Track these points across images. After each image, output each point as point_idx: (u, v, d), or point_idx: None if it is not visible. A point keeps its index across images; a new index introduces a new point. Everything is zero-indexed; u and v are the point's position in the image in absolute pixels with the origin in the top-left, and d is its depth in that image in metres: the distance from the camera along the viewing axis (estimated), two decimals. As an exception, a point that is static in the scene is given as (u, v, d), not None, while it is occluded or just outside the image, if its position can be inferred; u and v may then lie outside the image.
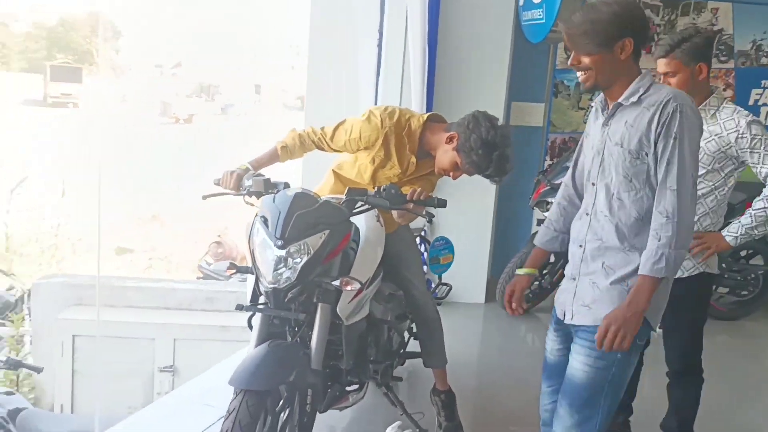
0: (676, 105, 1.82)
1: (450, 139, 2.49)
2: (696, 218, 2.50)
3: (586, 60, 1.86)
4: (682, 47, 2.42)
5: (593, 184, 1.99)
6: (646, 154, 1.86)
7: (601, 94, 1.99)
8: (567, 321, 2.03)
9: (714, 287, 4.59)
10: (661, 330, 2.73)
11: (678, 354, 2.66)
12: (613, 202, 1.93)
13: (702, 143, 2.44)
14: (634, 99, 1.88)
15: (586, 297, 1.97)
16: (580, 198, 2.14)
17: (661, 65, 2.48)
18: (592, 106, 2.09)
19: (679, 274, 2.53)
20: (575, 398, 1.97)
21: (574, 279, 2.02)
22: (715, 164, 2.47)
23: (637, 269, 1.88)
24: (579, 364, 1.95)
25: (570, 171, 2.21)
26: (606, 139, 1.95)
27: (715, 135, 2.44)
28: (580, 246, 2.01)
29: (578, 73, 1.91)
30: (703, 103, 2.48)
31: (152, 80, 28.29)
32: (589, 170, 2.03)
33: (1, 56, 26.79)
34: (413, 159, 2.58)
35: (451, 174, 2.55)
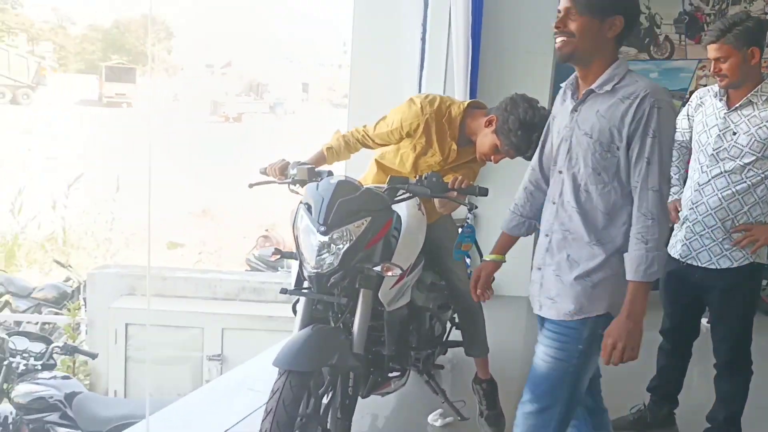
0: (654, 101, 1.75)
1: (489, 123, 2.50)
2: (746, 208, 2.45)
3: (572, 26, 1.78)
4: (733, 31, 2.37)
5: (560, 172, 1.92)
6: (617, 148, 1.80)
7: (572, 76, 1.92)
8: (536, 311, 2.01)
9: (766, 281, 4.46)
10: (709, 323, 2.69)
11: (726, 346, 2.60)
12: (581, 193, 1.86)
13: (753, 130, 2.41)
14: (608, 87, 1.81)
15: (551, 290, 1.93)
16: (547, 182, 2.07)
17: (712, 51, 2.43)
18: (560, 87, 2.00)
19: (728, 265, 2.50)
20: (536, 387, 1.95)
21: (540, 269, 1.98)
22: (765, 152, 2.39)
23: (600, 264, 1.85)
24: (542, 354, 1.93)
25: (537, 154, 2.12)
26: (574, 126, 1.87)
27: (767, 121, 2.38)
28: (547, 236, 1.96)
29: (557, 39, 1.82)
30: (755, 89, 2.42)
31: (203, 80, 28.91)
32: (555, 156, 1.96)
33: (60, 58, 27.81)
34: (454, 146, 2.59)
35: (492, 158, 2.55)
